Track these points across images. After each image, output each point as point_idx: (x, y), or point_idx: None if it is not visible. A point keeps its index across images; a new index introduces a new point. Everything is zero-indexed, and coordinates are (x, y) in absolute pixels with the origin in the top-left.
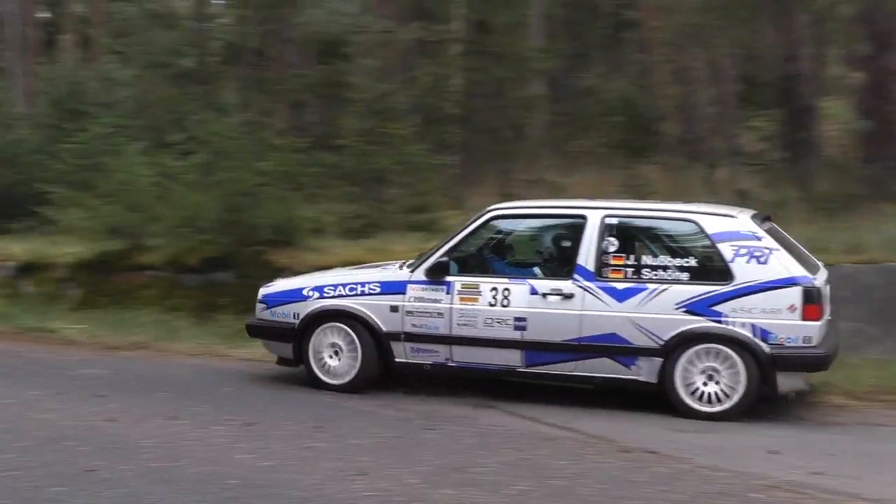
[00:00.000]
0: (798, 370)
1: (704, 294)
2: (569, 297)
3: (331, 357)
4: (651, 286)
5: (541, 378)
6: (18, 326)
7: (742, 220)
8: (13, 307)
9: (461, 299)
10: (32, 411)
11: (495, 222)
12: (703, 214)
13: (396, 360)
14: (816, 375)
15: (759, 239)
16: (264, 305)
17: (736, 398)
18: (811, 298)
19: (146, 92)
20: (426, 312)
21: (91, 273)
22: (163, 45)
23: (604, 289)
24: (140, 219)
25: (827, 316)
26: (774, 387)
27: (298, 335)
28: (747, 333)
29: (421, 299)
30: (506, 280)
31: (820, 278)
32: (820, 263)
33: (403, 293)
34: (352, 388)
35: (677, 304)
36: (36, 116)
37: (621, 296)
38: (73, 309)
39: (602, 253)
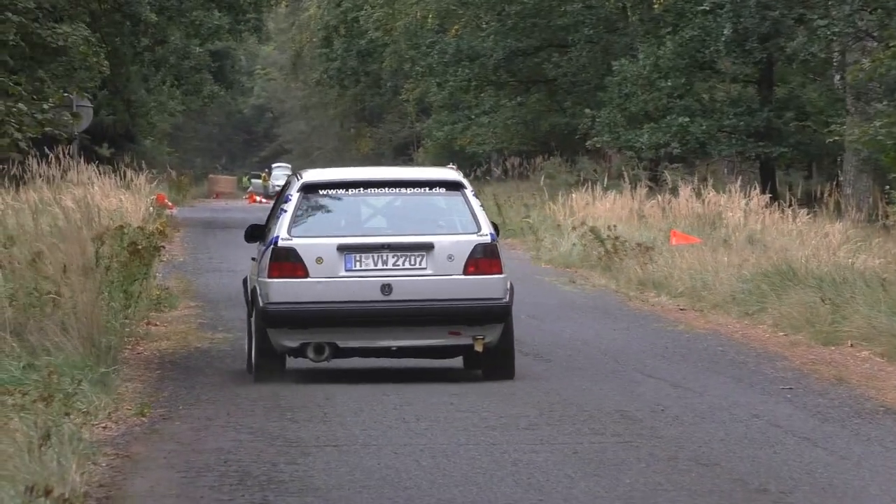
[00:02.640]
0: (280, 327)
1: (260, 249)
2: None
3: None
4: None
5: None
6: None
7: (297, 182)
8: None
9: None
10: None
11: None
12: (295, 175)
13: None
14: None
15: (287, 200)
16: None
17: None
18: (277, 258)
19: None
20: None
21: None
22: None
23: None
24: None
25: (316, 277)
26: (271, 341)
27: None
28: (256, 289)
29: None
30: None
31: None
32: (480, 232)
33: None
34: None
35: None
36: None
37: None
38: None
39: None
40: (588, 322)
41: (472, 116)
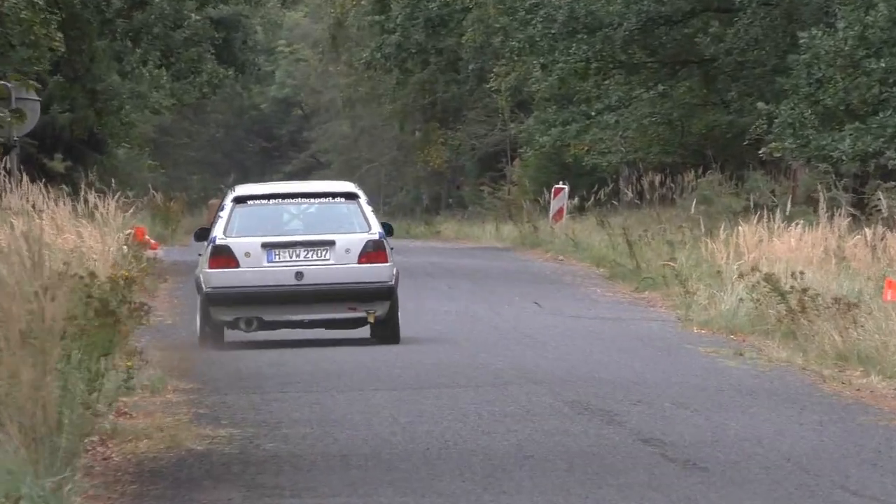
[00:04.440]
0: (217, 305)
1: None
2: None
3: None
4: None
5: None
6: None
7: (230, 196)
8: None
9: None
10: None
11: None
12: (234, 189)
13: None
14: None
15: (222, 209)
16: None
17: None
18: (215, 253)
19: None
20: None
21: None
22: None
23: None
24: None
25: (245, 267)
26: (212, 317)
27: None
28: (200, 277)
29: None
30: None
31: (251, 241)
32: (369, 231)
33: None
34: None
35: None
36: None
37: None
38: None
39: None
40: (763, 413)
41: (593, 114)
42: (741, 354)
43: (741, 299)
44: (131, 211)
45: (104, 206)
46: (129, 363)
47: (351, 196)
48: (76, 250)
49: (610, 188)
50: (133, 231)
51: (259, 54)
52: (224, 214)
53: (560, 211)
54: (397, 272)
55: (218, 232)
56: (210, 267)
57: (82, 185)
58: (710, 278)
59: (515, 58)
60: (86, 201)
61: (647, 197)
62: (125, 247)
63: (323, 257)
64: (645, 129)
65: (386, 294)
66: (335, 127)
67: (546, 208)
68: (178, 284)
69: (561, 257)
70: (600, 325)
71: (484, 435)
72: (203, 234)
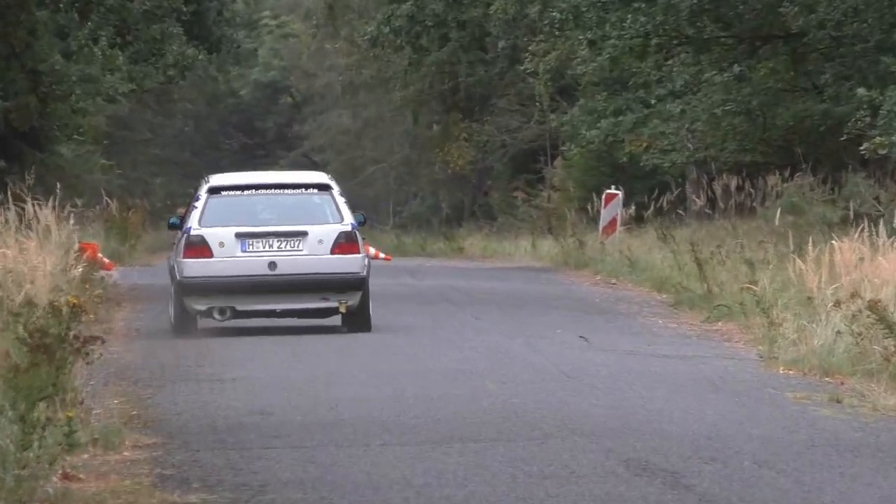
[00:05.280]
0: (191, 295)
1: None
2: None
3: None
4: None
5: None
6: None
7: (205, 186)
8: None
9: None
10: None
11: None
12: (208, 179)
13: None
14: None
15: (197, 199)
16: None
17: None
18: (189, 243)
19: None
20: None
21: None
22: None
23: None
24: None
25: (219, 257)
26: (185, 306)
27: None
28: (174, 266)
29: None
30: None
31: (224, 231)
32: (342, 222)
33: None
34: None
35: None
36: None
37: None
38: None
39: None
40: (866, 475)
41: (653, 101)
42: (839, 401)
43: (838, 332)
44: (78, 222)
45: (45, 217)
46: (69, 413)
47: (324, 187)
48: (11, 272)
49: (674, 194)
50: (80, 247)
51: (238, 29)
52: (199, 204)
53: (612, 222)
54: (369, 263)
55: (192, 222)
56: (184, 257)
57: (13, 191)
58: (799, 306)
59: (557, 32)
60: (23, 210)
61: (721, 205)
62: (73, 267)
63: (296, 248)
64: (718, 120)
65: (358, 284)
66: (333, 119)
67: (595, 219)
68: (138, 313)
69: (613, 280)
70: (662, 364)
71: (518, 501)
72: (179, 222)
